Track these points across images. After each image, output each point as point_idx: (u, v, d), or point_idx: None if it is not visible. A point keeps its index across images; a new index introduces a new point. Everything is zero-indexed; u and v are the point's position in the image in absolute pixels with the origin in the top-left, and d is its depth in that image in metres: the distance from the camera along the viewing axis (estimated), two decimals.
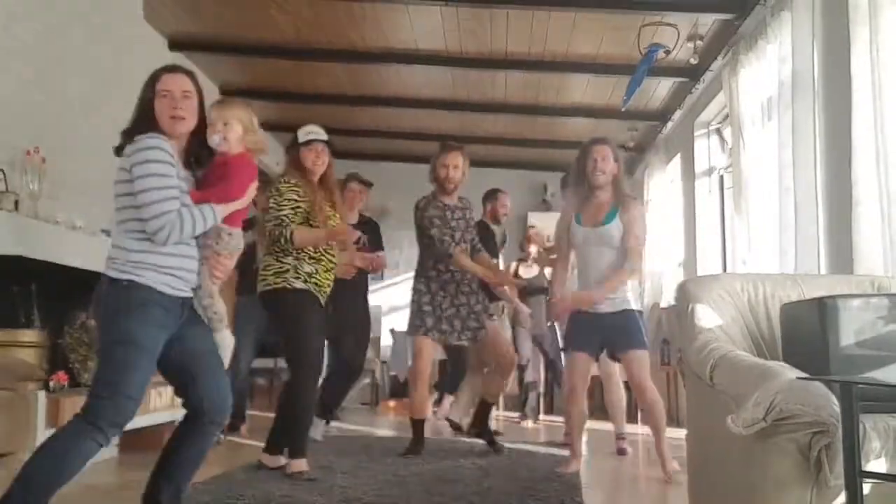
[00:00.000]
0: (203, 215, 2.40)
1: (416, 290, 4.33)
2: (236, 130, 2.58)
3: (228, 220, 2.52)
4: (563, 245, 3.95)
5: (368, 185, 5.29)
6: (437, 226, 4.24)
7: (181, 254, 2.42)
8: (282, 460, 3.62)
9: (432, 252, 4.28)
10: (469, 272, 4.27)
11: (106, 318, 2.35)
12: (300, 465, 3.49)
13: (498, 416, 6.31)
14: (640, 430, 4.78)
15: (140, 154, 2.31)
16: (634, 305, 3.80)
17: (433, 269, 4.29)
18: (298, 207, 3.60)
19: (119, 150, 2.41)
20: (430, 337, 4.24)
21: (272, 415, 3.91)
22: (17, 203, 3.58)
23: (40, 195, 3.78)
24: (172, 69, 2.50)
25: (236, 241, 2.57)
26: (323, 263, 3.65)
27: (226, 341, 2.57)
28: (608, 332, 3.75)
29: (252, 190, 2.56)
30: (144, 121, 2.41)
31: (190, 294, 2.49)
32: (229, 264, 2.57)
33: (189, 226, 2.35)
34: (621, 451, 4.47)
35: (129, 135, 2.40)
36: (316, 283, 3.60)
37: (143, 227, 2.33)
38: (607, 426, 4.69)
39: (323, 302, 3.65)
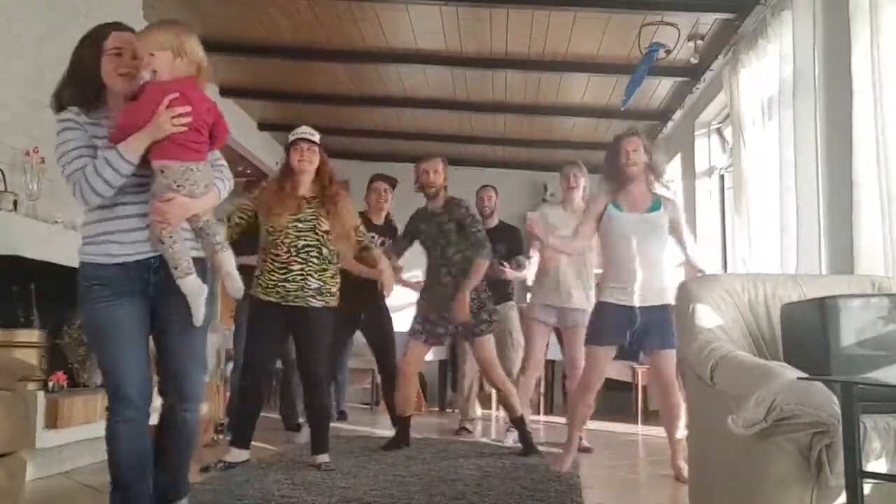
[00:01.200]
0: (107, 159, 2.21)
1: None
2: (162, 58, 2.27)
3: (157, 154, 2.26)
4: (589, 230, 3.86)
5: (393, 183, 5.34)
6: (404, 232, 4.60)
7: (119, 215, 2.29)
8: (244, 455, 3.81)
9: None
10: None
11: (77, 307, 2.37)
12: (235, 454, 3.77)
13: (497, 416, 6.31)
14: (641, 430, 4.79)
15: (59, 124, 2.30)
16: (672, 300, 3.69)
17: (430, 274, 4.44)
18: (245, 212, 3.83)
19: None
20: (417, 339, 4.37)
21: (271, 415, 3.93)
22: (16, 203, 3.58)
23: (39, 195, 3.78)
24: (117, 26, 2.42)
25: (172, 174, 2.28)
26: (266, 264, 3.75)
27: (188, 289, 2.32)
28: (643, 327, 3.65)
29: (167, 118, 2.23)
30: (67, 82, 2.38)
31: (152, 254, 2.31)
32: (164, 208, 2.26)
33: (93, 176, 2.20)
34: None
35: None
36: (260, 285, 3.76)
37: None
38: (602, 425, 4.68)
39: (281, 303, 3.70)
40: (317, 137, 3.85)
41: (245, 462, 3.78)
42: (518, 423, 4.39)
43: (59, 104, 2.35)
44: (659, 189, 3.89)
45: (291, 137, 3.83)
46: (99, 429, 3.56)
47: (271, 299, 3.71)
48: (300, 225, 3.72)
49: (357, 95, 7.00)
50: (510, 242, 5.38)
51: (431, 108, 7.20)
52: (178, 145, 2.28)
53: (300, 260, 3.70)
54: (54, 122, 2.35)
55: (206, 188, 2.37)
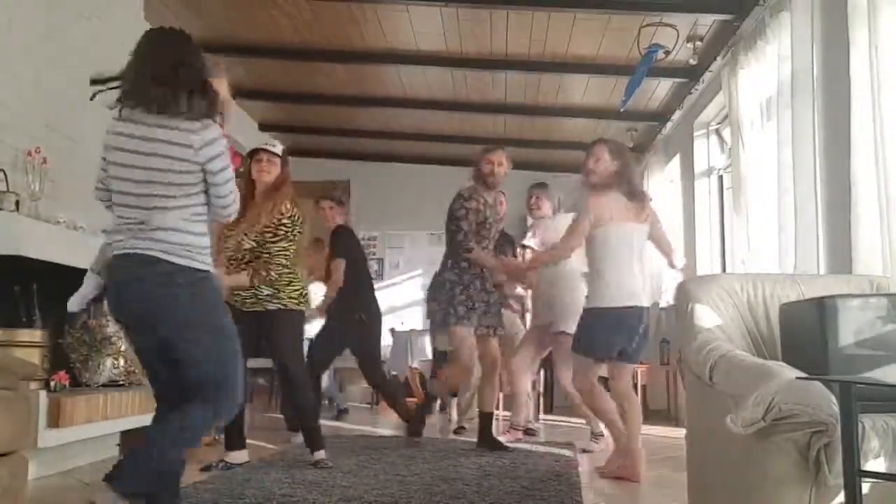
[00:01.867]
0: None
1: (448, 281, 4.37)
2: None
3: None
4: (578, 238, 3.84)
5: (340, 202, 5.31)
6: (469, 220, 4.37)
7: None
8: (244, 455, 3.85)
9: (460, 243, 4.39)
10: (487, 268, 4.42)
11: (201, 314, 2.39)
12: (234, 456, 3.79)
13: (497, 416, 6.31)
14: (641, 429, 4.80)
15: (219, 144, 2.40)
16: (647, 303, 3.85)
17: (466, 260, 4.37)
18: None
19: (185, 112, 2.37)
20: (466, 326, 4.31)
21: (272, 415, 3.94)
22: (18, 203, 3.59)
23: (41, 195, 3.79)
24: None
25: None
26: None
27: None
28: (631, 335, 3.70)
29: None
30: (216, 104, 2.45)
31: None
32: None
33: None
34: (587, 450, 4.56)
35: (196, 108, 2.38)
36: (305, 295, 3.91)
37: (204, 210, 2.42)
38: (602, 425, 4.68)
39: (238, 307, 3.70)
40: (278, 149, 3.92)
41: (245, 462, 3.78)
42: (486, 417, 4.50)
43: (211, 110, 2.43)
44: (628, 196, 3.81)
45: (253, 146, 4.00)
46: (101, 428, 3.59)
47: (234, 304, 3.73)
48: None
49: (357, 96, 7.01)
50: (507, 254, 5.39)
51: (431, 109, 7.22)
52: None
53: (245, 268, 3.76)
54: (55, 122, 2.35)
55: None
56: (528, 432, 5.16)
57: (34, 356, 3.46)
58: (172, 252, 2.32)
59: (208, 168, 2.36)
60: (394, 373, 7.72)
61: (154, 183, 2.31)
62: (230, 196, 2.42)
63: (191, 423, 2.36)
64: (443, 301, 4.32)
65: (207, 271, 2.40)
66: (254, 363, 4.49)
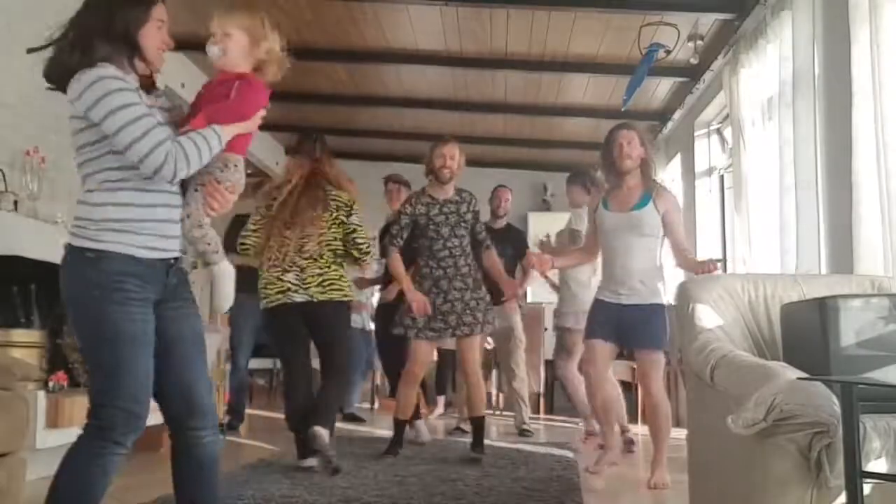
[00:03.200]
0: (206, 138, 2.00)
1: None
2: (238, 42, 2.19)
3: (230, 147, 2.12)
4: (591, 235, 3.91)
5: (406, 184, 5.34)
6: (404, 224, 4.25)
7: (166, 203, 2.03)
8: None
9: (421, 249, 4.27)
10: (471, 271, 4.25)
11: (77, 305, 1.97)
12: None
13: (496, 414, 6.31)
14: (641, 430, 4.78)
15: (95, 89, 1.94)
16: (662, 300, 3.68)
17: (426, 266, 4.23)
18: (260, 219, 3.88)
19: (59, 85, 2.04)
20: (422, 338, 4.16)
21: (271, 414, 3.93)
22: (16, 203, 3.59)
23: (39, 195, 3.78)
24: None
25: (241, 173, 2.19)
26: (271, 271, 3.81)
27: (225, 273, 2.18)
28: (627, 325, 3.63)
29: (259, 116, 2.19)
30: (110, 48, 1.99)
31: (178, 253, 2.11)
32: (230, 198, 2.15)
33: (194, 152, 1.97)
34: (628, 448, 4.50)
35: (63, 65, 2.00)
36: (262, 289, 3.85)
37: (122, 175, 1.96)
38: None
39: (282, 302, 3.74)
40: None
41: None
42: (478, 422, 4.27)
43: (89, 57, 1.99)
44: (652, 183, 3.79)
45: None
46: None
47: (268, 301, 3.80)
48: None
49: (357, 95, 7.01)
50: (517, 245, 5.38)
51: (431, 109, 7.21)
52: (245, 141, 2.22)
53: (276, 256, 3.83)
54: (54, 122, 2.27)
55: None
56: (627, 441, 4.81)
57: (32, 356, 3.46)
58: (72, 227, 2.02)
59: (91, 119, 1.95)
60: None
61: (74, 149, 2.07)
62: (133, 147, 1.90)
63: (75, 452, 1.99)
64: (404, 310, 4.19)
65: (100, 251, 1.94)
66: (255, 363, 4.48)
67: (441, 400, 6.63)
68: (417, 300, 4.08)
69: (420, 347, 4.19)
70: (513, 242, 5.36)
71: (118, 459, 1.97)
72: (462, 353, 4.26)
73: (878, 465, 1.80)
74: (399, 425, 4.33)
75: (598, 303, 3.79)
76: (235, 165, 2.15)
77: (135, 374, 1.95)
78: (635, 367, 6.26)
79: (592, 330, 3.77)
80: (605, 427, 3.89)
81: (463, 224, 4.23)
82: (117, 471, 1.99)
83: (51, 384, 3.60)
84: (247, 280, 4.37)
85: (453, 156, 4.24)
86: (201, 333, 2.17)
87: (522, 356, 5.39)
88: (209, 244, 2.14)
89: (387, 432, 5.22)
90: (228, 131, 2.07)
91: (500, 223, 5.49)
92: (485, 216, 5.31)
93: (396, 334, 4.27)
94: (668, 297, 3.69)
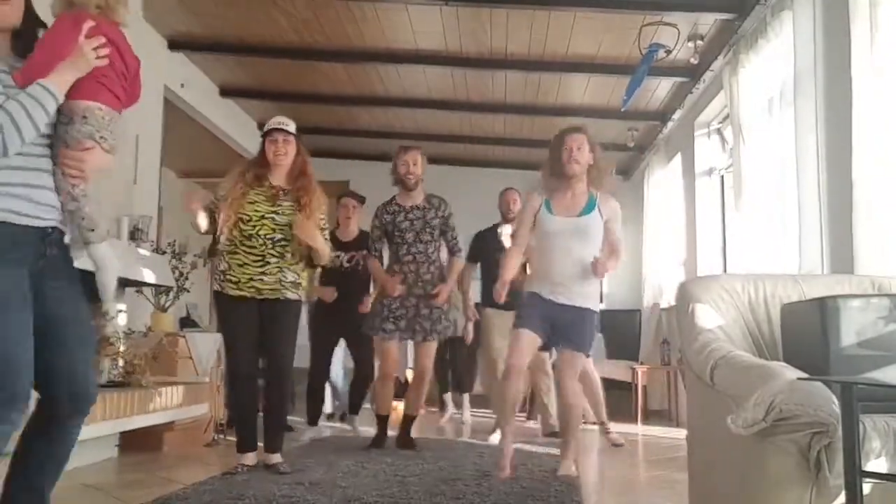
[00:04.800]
0: (31, 96, 1.84)
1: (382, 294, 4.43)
2: None
3: (77, 93, 1.95)
4: (525, 231, 3.76)
5: (362, 200, 5.40)
6: (376, 234, 4.43)
7: (23, 166, 1.88)
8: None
9: (392, 254, 4.44)
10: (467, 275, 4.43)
11: None
12: (251, 458, 3.67)
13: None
14: (641, 429, 4.80)
15: None
16: (594, 307, 3.67)
17: (390, 271, 4.39)
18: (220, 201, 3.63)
19: None
20: (382, 337, 4.33)
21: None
22: None
23: None
24: None
25: (97, 124, 2.00)
26: (237, 257, 3.59)
27: (103, 258, 2.04)
28: (558, 323, 3.60)
29: (88, 51, 1.94)
30: None
31: (54, 222, 1.96)
32: (85, 157, 1.96)
33: (22, 116, 1.82)
34: (615, 444, 4.51)
35: None
36: (229, 281, 3.60)
37: None
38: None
39: (256, 297, 3.57)
40: (292, 128, 3.70)
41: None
42: (409, 420, 4.52)
43: None
44: (599, 190, 3.72)
45: (266, 128, 3.69)
46: (100, 429, 3.58)
47: (244, 294, 3.57)
48: (277, 218, 3.59)
49: (357, 95, 7.01)
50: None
51: (431, 109, 7.21)
52: (100, 85, 2.01)
53: (276, 253, 3.59)
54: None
55: (117, 149, 2.07)
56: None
57: None
58: None
59: None
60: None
61: None
62: None
63: None
64: (373, 312, 4.43)
65: None
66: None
67: (448, 398, 6.60)
68: (386, 280, 4.31)
69: (377, 344, 4.45)
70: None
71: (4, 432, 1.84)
72: (420, 358, 4.42)
73: (877, 464, 1.81)
74: (383, 420, 4.54)
75: (533, 295, 3.65)
76: (84, 117, 1.97)
77: (14, 341, 1.82)
78: (634, 367, 6.31)
79: (523, 320, 3.62)
80: (505, 417, 3.72)
81: (428, 230, 4.35)
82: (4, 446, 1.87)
83: None
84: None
85: (416, 161, 4.37)
86: (86, 316, 2.06)
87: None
88: (83, 219, 1.99)
89: (388, 432, 5.23)
90: (55, 79, 1.89)
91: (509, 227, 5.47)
92: (495, 218, 5.34)
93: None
94: (599, 303, 3.74)
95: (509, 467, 3.50)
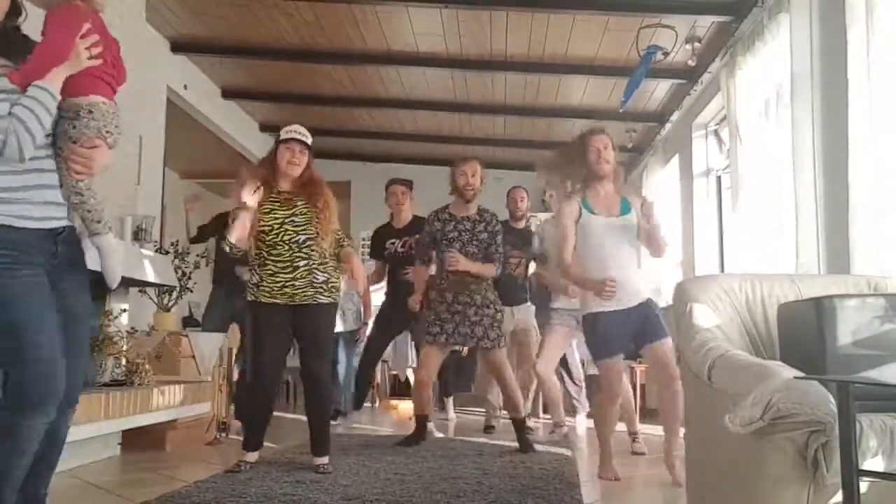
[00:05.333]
0: (35, 98, 1.87)
1: (430, 300, 4.48)
2: None
3: (76, 89, 1.98)
4: (571, 241, 3.67)
5: (409, 184, 5.39)
6: (426, 240, 4.51)
7: (27, 168, 1.91)
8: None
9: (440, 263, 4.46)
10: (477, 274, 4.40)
11: None
12: (253, 456, 3.72)
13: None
14: (640, 429, 4.80)
15: None
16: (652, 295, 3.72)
17: (438, 278, 4.45)
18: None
19: None
20: (428, 342, 4.37)
21: (279, 414, 3.93)
22: None
23: None
24: None
25: (102, 118, 2.03)
26: (268, 268, 3.61)
27: (108, 246, 2.10)
28: (640, 324, 3.56)
29: (83, 49, 1.97)
30: None
31: (64, 221, 2.01)
32: (92, 154, 2.00)
33: (32, 120, 1.85)
34: (637, 452, 4.49)
35: None
36: (263, 292, 3.62)
37: None
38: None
39: (289, 303, 3.59)
40: (309, 140, 3.72)
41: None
42: (519, 424, 4.44)
43: None
44: (625, 191, 3.76)
45: (284, 135, 3.67)
46: (102, 427, 3.60)
47: (278, 301, 3.60)
48: (297, 219, 3.60)
49: (358, 97, 7.04)
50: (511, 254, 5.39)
51: (432, 110, 7.24)
52: (97, 79, 2.03)
53: (303, 255, 3.60)
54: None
55: (117, 144, 2.09)
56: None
57: None
58: None
59: None
60: (393, 372, 7.76)
61: None
62: None
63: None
64: (427, 321, 4.44)
65: None
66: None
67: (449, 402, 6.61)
68: (419, 292, 4.53)
69: (423, 353, 4.48)
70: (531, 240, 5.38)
71: (39, 433, 1.92)
72: (489, 362, 4.48)
73: (874, 463, 1.82)
74: (422, 419, 4.58)
75: (603, 316, 3.54)
76: (90, 112, 2.01)
77: (39, 330, 1.87)
78: (632, 366, 6.32)
79: (609, 348, 3.56)
80: (606, 439, 3.78)
81: (475, 242, 4.40)
82: (36, 441, 1.93)
83: None
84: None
85: (475, 172, 4.42)
86: (86, 312, 2.09)
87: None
88: (89, 212, 2.04)
89: (388, 431, 5.25)
90: (52, 79, 1.91)
91: (521, 224, 5.49)
92: (502, 217, 5.37)
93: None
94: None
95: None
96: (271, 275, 3.61)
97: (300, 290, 3.59)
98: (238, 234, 3.52)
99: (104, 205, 2.08)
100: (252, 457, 3.68)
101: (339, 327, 6.16)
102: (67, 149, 1.98)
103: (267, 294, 3.61)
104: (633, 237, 3.62)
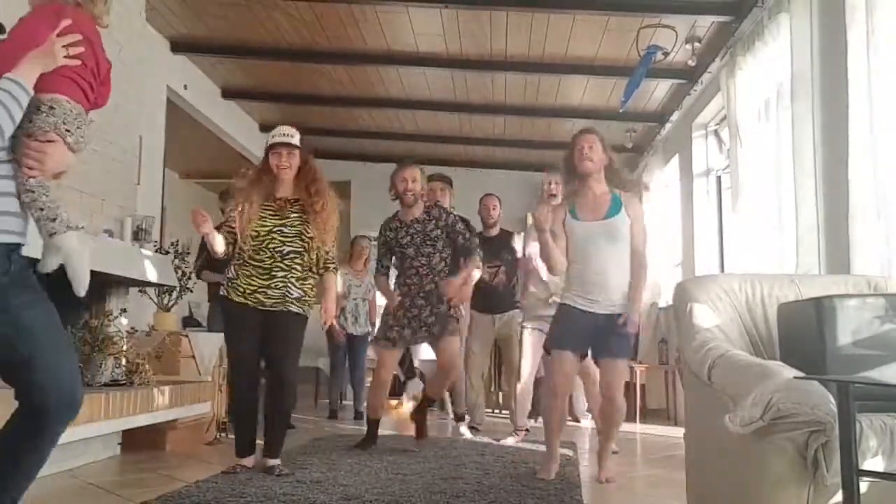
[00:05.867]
0: (5, 90, 1.78)
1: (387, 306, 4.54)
2: None
3: (45, 85, 1.89)
4: (559, 245, 3.65)
5: (448, 181, 5.27)
6: (381, 252, 4.53)
7: None
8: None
9: (399, 269, 4.52)
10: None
11: None
12: (250, 461, 3.68)
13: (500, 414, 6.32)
14: (640, 428, 4.82)
15: None
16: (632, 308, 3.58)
17: (399, 284, 4.51)
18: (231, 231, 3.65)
19: None
20: (380, 346, 4.47)
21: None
22: None
23: None
24: None
25: (62, 114, 1.94)
26: (246, 269, 3.61)
27: (69, 248, 1.95)
28: (603, 334, 3.52)
29: (58, 44, 1.88)
30: None
31: (17, 237, 1.91)
32: (47, 149, 1.90)
33: (3, 114, 1.77)
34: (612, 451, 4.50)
35: None
36: (235, 289, 3.62)
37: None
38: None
39: (258, 307, 3.57)
40: (296, 139, 3.65)
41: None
42: (423, 405, 4.64)
43: None
44: (621, 189, 3.70)
45: (269, 141, 3.66)
46: (102, 427, 3.60)
47: (248, 303, 3.58)
48: (286, 230, 3.60)
49: (358, 97, 7.04)
50: (512, 249, 5.38)
51: (432, 110, 7.25)
52: (71, 81, 1.96)
53: (284, 266, 3.59)
54: None
55: (82, 149, 2.00)
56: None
57: None
58: None
59: None
60: (393, 372, 7.76)
61: None
62: None
63: None
64: (382, 324, 4.53)
65: None
66: None
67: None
68: (391, 298, 4.48)
69: (380, 355, 4.52)
70: (510, 248, 5.35)
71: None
72: (442, 355, 4.45)
73: (874, 463, 1.82)
74: (374, 424, 4.59)
75: (567, 309, 3.57)
76: (51, 107, 1.91)
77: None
78: (632, 366, 6.33)
79: (562, 340, 3.57)
80: (552, 438, 3.68)
81: (429, 242, 4.39)
82: None
83: None
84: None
85: (414, 178, 4.40)
86: (58, 320, 1.99)
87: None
88: (41, 209, 1.91)
89: (388, 431, 5.25)
90: (24, 73, 1.82)
91: (493, 231, 5.43)
92: (481, 226, 5.36)
93: None
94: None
95: (553, 472, 3.59)
96: (248, 276, 3.61)
97: (271, 299, 3.59)
98: (218, 247, 3.58)
99: (61, 202, 1.96)
100: (247, 462, 3.65)
101: (351, 330, 6.22)
102: (22, 144, 1.87)
103: (239, 293, 3.60)
104: (619, 237, 3.57)
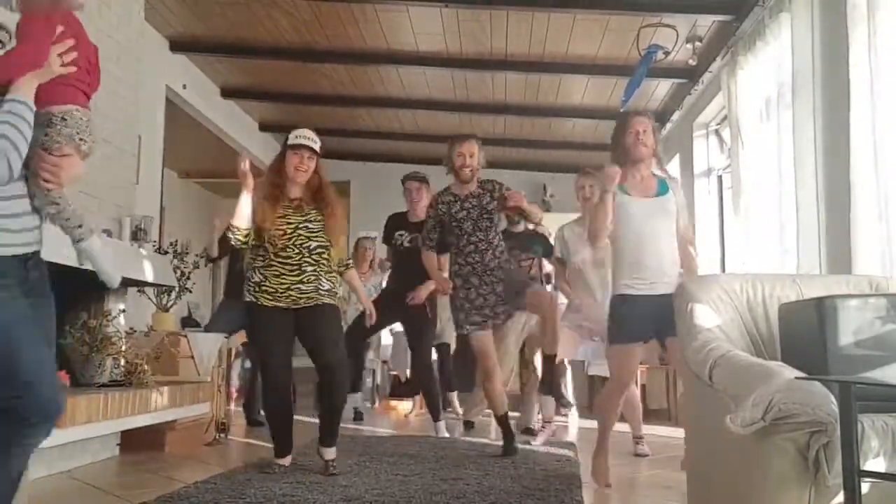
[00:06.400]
0: (12, 112, 1.78)
1: (452, 288, 4.24)
2: None
3: (49, 97, 1.90)
4: (607, 224, 3.48)
5: (424, 180, 5.25)
6: (430, 224, 4.27)
7: (8, 195, 1.85)
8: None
9: (452, 247, 4.27)
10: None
11: None
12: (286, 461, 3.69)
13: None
14: (645, 429, 4.79)
15: None
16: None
17: (455, 264, 4.26)
18: (239, 234, 3.58)
19: None
20: (466, 331, 4.17)
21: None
22: None
23: None
24: None
25: (76, 125, 1.97)
26: (273, 269, 3.57)
27: (95, 251, 2.06)
28: (667, 315, 3.13)
29: (53, 55, 1.86)
30: None
31: (32, 247, 1.94)
32: (60, 162, 1.93)
33: (17, 137, 1.76)
34: (640, 454, 4.44)
35: None
36: (265, 292, 3.58)
37: None
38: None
39: (291, 306, 3.56)
40: (318, 146, 3.66)
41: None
42: (501, 420, 4.26)
43: None
44: (661, 172, 3.69)
45: (294, 140, 3.62)
46: (101, 428, 3.60)
47: (280, 304, 3.56)
48: (311, 226, 3.59)
49: (358, 96, 7.04)
50: (545, 242, 5.34)
51: (431, 109, 7.24)
52: (72, 87, 1.96)
53: (312, 261, 3.58)
54: None
55: (92, 153, 2.03)
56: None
57: None
58: None
59: None
60: (393, 372, 7.75)
61: None
62: None
63: None
64: (454, 309, 4.25)
65: None
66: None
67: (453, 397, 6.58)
68: (439, 280, 4.27)
69: (473, 340, 4.16)
70: (540, 240, 5.33)
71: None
72: (496, 343, 4.27)
73: (875, 463, 1.81)
74: (504, 419, 4.26)
75: (627, 299, 3.42)
76: (63, 119, 1.94)
77: (18, 358, 1.83)
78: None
79: (629, 333, 3.42)
80: (608, 433, 3.63)
81: (486, 216, 4.20)
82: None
83: None
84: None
85: (472, 153, 4.23)
86: (52, 336, 2.03)
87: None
88: (68, 219, 2.00)
89: (388, 431, 5.23)
90: (25, 91, 1.82)
91: (519, 227, 5.36)
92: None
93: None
94: None
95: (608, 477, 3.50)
96: (277, 276, 3.57)
97: (305, 294, 3.57)
98: (239, 213, 3.52)
99: (79, 208, 2.04)
100: (286, 460, 3.68)
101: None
102: (37, 157, 1.89)
103: (269, 297, 3.57)
104: (671, 216, 3.51)
